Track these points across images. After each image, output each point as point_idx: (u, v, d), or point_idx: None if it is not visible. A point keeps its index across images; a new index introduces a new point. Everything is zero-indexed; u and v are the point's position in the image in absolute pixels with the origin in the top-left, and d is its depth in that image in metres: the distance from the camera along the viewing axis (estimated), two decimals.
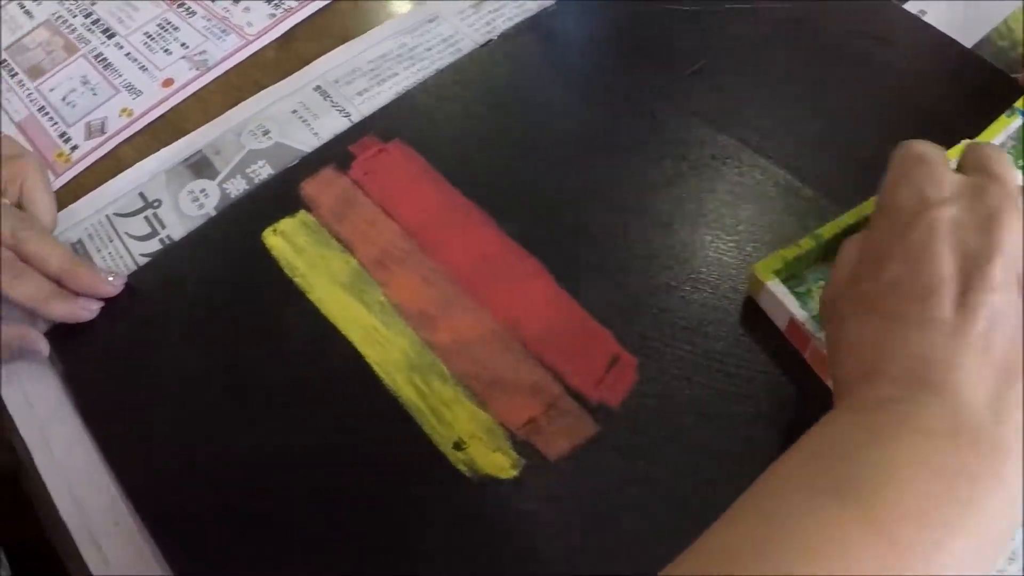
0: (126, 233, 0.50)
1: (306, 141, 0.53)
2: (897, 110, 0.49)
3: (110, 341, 0.46)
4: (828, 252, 0.42)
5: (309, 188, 0.50)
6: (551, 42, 0.56)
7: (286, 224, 0.48)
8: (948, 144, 0.38)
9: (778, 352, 0.41)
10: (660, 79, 0.52)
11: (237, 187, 0.51)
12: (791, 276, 0.42)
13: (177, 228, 0.50)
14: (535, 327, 0.43)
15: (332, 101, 0.54)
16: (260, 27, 0.60)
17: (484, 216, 0.47)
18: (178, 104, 0.57)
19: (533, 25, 0.57)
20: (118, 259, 0.49)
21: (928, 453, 0.28)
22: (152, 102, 0.57)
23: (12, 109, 0.59)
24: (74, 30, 0.63)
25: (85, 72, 0.60)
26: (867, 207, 0.42)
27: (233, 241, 0.49)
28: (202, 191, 0.52)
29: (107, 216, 0.51)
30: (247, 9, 0.61)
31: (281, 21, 0.60)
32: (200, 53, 0.59)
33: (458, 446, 0.40)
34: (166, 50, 0.60)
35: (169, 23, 0.62)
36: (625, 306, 0.44)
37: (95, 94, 0.58)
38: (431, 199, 0.49)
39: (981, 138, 0.44)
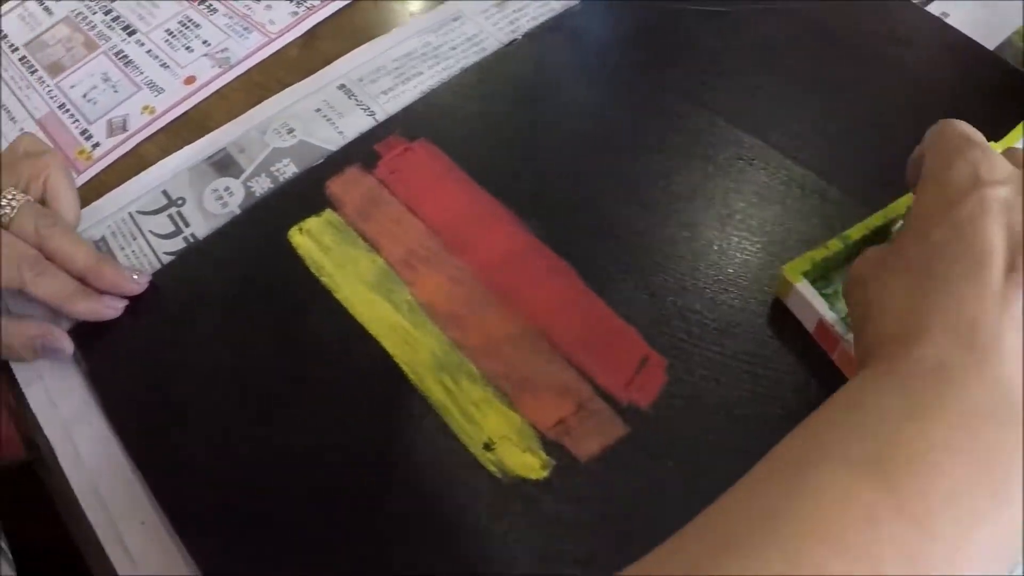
0: (150, 231, 0.50)
1: (331, 139, 0.53)
2: (920, 112, 0.49)
3: (135, 339, 0.46)
4: (855, 254, 0.42)
5: (335, 187, 0.50)
6: (575, 42, 0.56)
7: (312, 223, 0.48)
8: None
9: (806, 354, 0.41)
10: (685, 79, 0.52)
11: (262, 185, 0.51)
12: (819, 277, 0.42)
13: (201, 226, 0.50)
14: (563, 327, 0.43)
15: (356, 100, 0.54)
16: (282, 25, 0.60)
17: (510, 215, 0.47)
18: (201, 102, 0.57)
19: (557, 25, 0.56)
20: (141, 257, 0.49)
21: (967, 436, 0.27)
22: (174, 100, 0.57)
23: (32, 106, 0.59)
24: (94, 27, 0.63)
25: (106, 69, 0.60)
26: (894, 208, 0.42)
27: (258, 240, 0.49)
28: (226, 189, 0.51)
29: (130, 214, 0.51)
30: (269, 7, 0.61)
31: (303, 19, 0.60)
32: (222, 51, 0.59)
33: (488, 447, 0.40)
34: (187, 47, 0.60)
35: (190, 20, 0.62)
36: (652, 306, 0.43)
37: (116, 91, 0.58)
38: (457, 198, 0.48)
39: (1005, 141, 0.44)
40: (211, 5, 0.62)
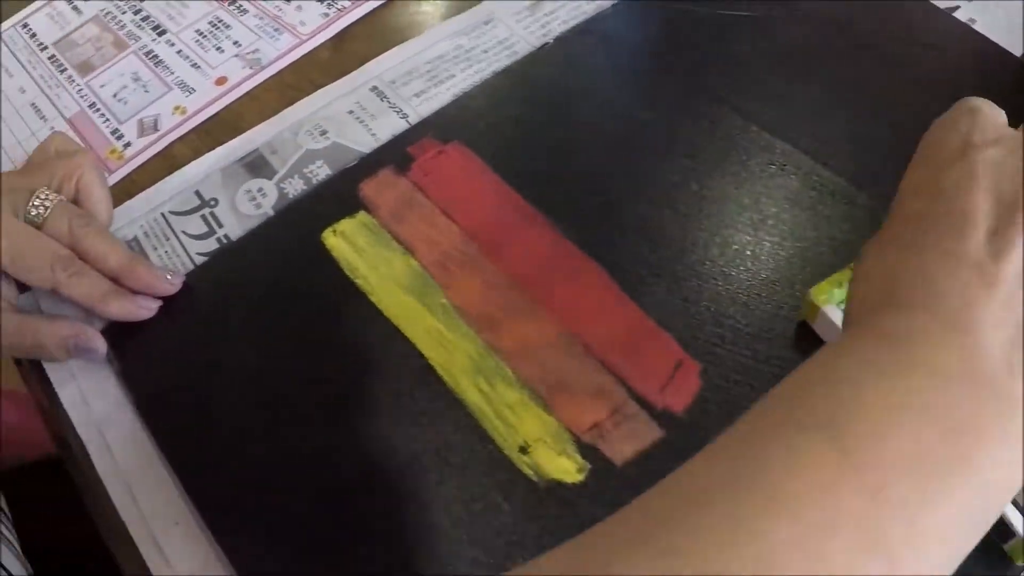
0: (183, 232, 0.50)
1: (364, 141, 0.53)
2: None
3: (168, 340, 0.46)
4: None
5: (368, 189, 0.50)
6: (607, 45, 0.56)
7: (346, 225, 0.48)
8: None
9: None
10: (716, 83, 0.52)
11: (295, 187, 0.51)
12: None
13: (235, 227, 0.50)
14: (598, 331, 0.43)
15: (389, 102, 0.54)
16: (313, 26, 0.60)
17: (543, 218, 0.47)
18: (232, 103, 0.57)
19: (588, 28, 0.56)
20: (175, 257, 0.49)
21: (935, 397, 0.26)
22: (206, 100, 0.57)
23: (62, 104, 0.59)
24: (123, 26, 0.63)
25: (136, 69, 0.60)
26: None
27: (292, 241, 0.49)
28: (259, 191, 0.51)
29: (163, 214, 0.51)
30: (299, 8, 0.61)
31: (334, 21, 0.60)
32: (253, 52, 0.59)
33: (523, 450, 0.40)
34: (218, 48, 0.60)
35: (220, 21, 0.62)
36: (686, 311, 0.44)
37: (147, 91, 0.59)
38: (491, 201, 0.49)
39: None
40: (241, 6, 0.62)
